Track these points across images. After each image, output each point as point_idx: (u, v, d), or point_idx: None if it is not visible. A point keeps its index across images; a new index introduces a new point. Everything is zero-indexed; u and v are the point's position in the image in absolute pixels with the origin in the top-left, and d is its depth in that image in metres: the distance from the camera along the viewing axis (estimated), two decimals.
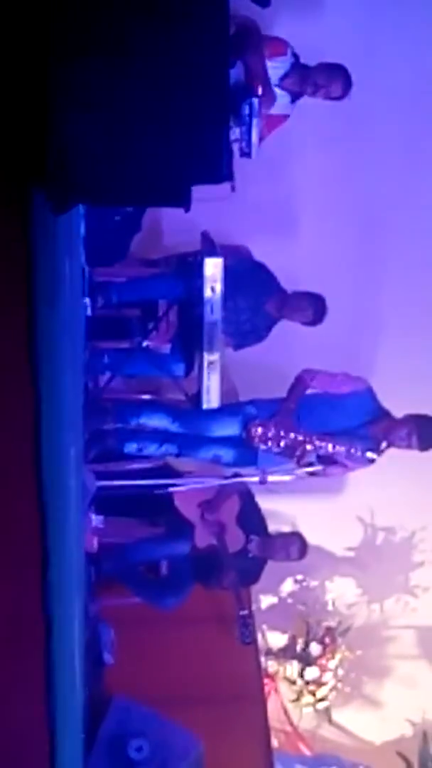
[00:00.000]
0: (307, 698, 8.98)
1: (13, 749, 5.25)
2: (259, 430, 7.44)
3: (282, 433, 7.41)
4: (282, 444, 7.43)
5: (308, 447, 7.36)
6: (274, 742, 8.30)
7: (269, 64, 7.14)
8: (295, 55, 7.28)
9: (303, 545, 7.76)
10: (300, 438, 7.36)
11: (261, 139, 7.14)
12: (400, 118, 8.25)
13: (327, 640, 8.96)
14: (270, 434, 7.42)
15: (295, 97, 7.37)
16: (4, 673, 5.03)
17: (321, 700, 9.00)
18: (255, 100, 6.97)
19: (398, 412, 7.50)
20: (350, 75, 7.26)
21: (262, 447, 7.47)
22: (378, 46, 8.09)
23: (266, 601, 9.01)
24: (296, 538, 7.82)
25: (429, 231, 8.48)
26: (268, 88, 7.11)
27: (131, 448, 7.52)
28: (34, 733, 5.64)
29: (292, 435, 7.38)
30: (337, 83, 7.26)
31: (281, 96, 7.29)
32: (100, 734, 6.71)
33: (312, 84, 7.28)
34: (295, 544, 7.75)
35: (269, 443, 7.44)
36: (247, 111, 6.93)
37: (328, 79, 7.27)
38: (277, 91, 7.25)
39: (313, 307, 7.65)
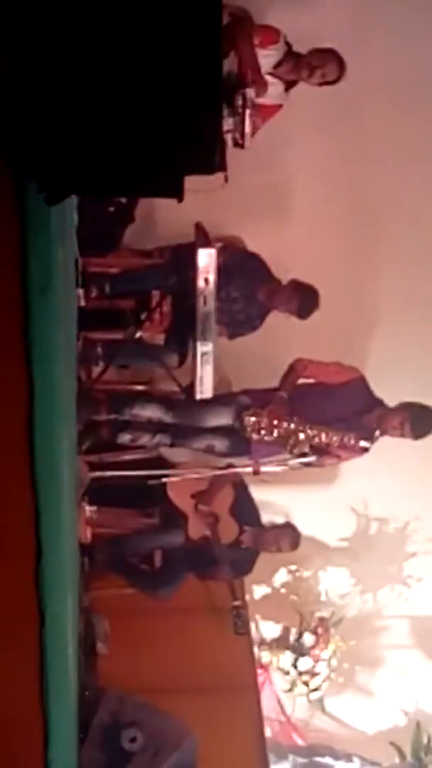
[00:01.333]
0: (301, 688, 8.99)
1: (7, 740, 5.24)
2: (252, 419, 7.44)
3: (275, 423, 7.41)
4: (275, 433, 7.43)
5: (301, 436, 7.36)
6: (268, 732, 8.31)
7: (262, 52, 7.14)
8: (288, 44, 7.28)
9: (296, 537, 7.78)
10: (293, 427, 7.37)
11: (254, 129, 7.13)
12: (395, 107, 8.24)
13: (320, 630, 8.97)
14: (263, 424, 7.43)
15: (288, 86, 7.36)
16: None
17: (314, 690, 9.02)
18: (248, 91, 6.96)
19: (392, 402, 7.50)
20: (342, 58, 7.25)
21: (255, 436, 7.47)
22: (372, 34, 8.08)
23: (259, 591, 9.02)
24: (289, 529, 7.83)
25: (424, 220, 8.47)
26: (260, 77, 7.10)
27: (125, 438, 7.53)
28: (28, 724, 5.63)
29: (285, 424, 7.38)
30: (332, 65, 7.26)
31: (275, 85, 7.29)
32: (94, 724, 6.70)
33: (307, 66, 7.27)
34: (288, 536, 7.77)
35: (262, 432, 7.44)
36: (240, 101, 6.93)
37: (323, 61, 7.27)
38: (271, 79, 7.24)
39: (298, 301, 7.64)
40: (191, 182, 5.00)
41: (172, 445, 7.61)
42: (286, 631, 9.01)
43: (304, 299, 7.61)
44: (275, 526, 7.94)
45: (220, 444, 7.56)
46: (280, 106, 7.43)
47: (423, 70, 8.25)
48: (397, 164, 8.33)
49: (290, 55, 7.28)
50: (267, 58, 7.20)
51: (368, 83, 8.04)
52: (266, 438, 7.45)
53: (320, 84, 7.37)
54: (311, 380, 7.60)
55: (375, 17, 8.11)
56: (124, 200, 7.62)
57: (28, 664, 5.59)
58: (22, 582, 5.47)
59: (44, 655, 5.66)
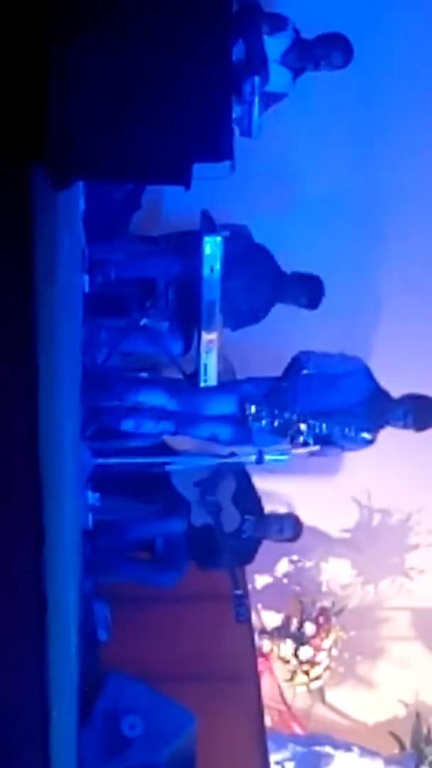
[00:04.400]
0: (301, 678, 9.01)
1: (8, 725, 5.25)
2: (254, 408, 7.43)
3: (276, 412, 7.40)
4: (276, 423, 7.42)
5: (302, 426, 7.35)
6: (268, 721, 8.33)
7: (270, 40, 7.13)
8: (296, 31, 7.26)
9: (297, 526, 7.77)
10: (294, 417, 7.36)
11: (260, 116, 7.13)
12: (403, 95, 8.23)
13: (321, 620, 8.99)
14: (264, 413, 7.42)
15: (296, 73, 7.34)
16: (0, 651, 5.03)
17: (315, 679, 9.04)
18: (256, 79, 6.95)
19: (396, 393, 7.49)
20: (350, 43, 7.23)
21: (257, 425, 7.46)
22: (379, 20, 8.07)
23: (261, 580, 9.04)
24: (291, 518, 7.83)
25: (430, 211, 8.46)
26: (264, 67, 7.09)
27: (128, 425, 7.52)
28: (29, 710, 5.64)
29: (286, 414, 7.38)
30: (338, 52, 7.25)
31: (283, 73, 7.28)
32: (95, 711, 6.73)
33: (312, 56, 7.26)
34: (290, 525, 7.76)
35: (263, 422, 7.43)
36: (248, 90, 6.92)
37: (328, 49, 7.25)
38: (279, 68, 7.23)
39: (307, 294, 7.63)
40: (198, 170, 4.99)
41: (175, 433, 7.60)
42: (287, 620, 9.04)
43: (312, 291, 7.60)
44: (278, 515, 7.93)
45: (223, 432, 7.55)
46: (285, 94, 7.40)
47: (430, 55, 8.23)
48: (404, 153, 8.33)
49: (298, 42, 7.26)
50: (275, 46, 7.18)
51: (376, 71, 8.03)
52: (268, 428, 7.44)
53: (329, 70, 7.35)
54: (314, 371, 7.58)
55: (384, 3, 8.08)
56: (130, 187, 7.60)
57: (30, 650, 5.60)
58: (24, 568, 5.47)
59: (46, 641, 5.67)
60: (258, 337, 7.90)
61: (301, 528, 7.80)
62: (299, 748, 8.78)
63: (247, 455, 7.52)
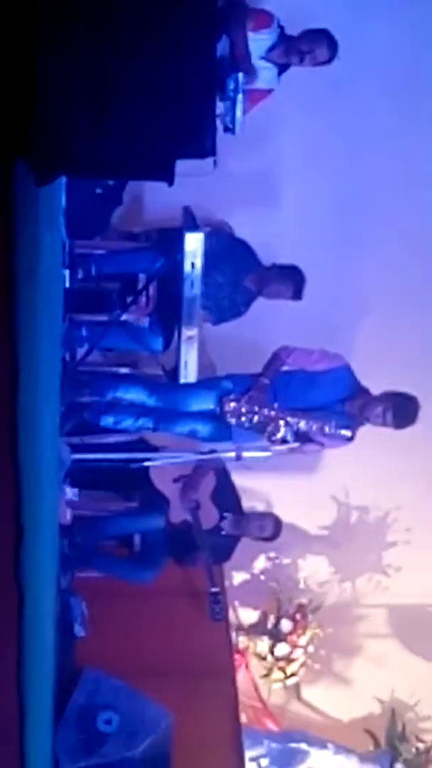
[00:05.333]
0: (277, 674, 9.01)
1: None
2: (232, 404, 7.43)
3: (255, 409, 7.40)
4: (255, 419, 7.42)
5: (281, 423, 7.34)
6: (243, 717, 8.33)
7: (255, 36, 7.11)
8: (281, 27, 7.25)
9: (277, 525, 7.78)
10: (272, 414, 7.35)
11: (244, 113, 7.12)
12: (386, 91, 8.22)
13: (298, 617, 8.99)
14: (243, 409, 7.42)
15: (281, 69, 7.34)
16: None
17: (290, 676, 9.04)
18: (240, 75, 6.94)
19: (376, 390, 7.50)
20: (334, 37, 7.22)
21: (235, 422, 7.46)
22: (365, 16, 8.05)
23: (238, 577, 9.03)
24: (270, 517, 7.83)
25: (413, 207, 8.46)
26: (249, 64, 7.08)
27: (107, 421, 7.51)
28: (4, 704, 5.63)
29: (265, 411, 7.37)
30: (322, 47, 7.23)
31: (268, 69, 7.27)
32: (70, 706, 6.72)
33: (296, 52, 7.25)
34: (269, 524, 7.77)
35: (242, 418, 7.43)
36: (231, 86, 6.91)
37: (312, 44, 7.23)
38: (264, 63, 7.22)
39: (292, 285, 7.63)
40: (180, 166, 4.99)
41: (154, 429, 7.60)
42: (263, 617, 9.03)
43: (294, 282, 7.60)
44: (259, 514, 7.93)
45: (202, 429, 7.54)
46: (270, 90, 7.39)
47: (415, 53, 8.23)
48: (387, 149, 8.31)
49: (283, 38, 7.25)
50: (260, 42, 7.16)
51: (359, 66, 8.02)
52: (246, 424, 7.44)
53: (313, 65, 7.34)
54: (295, 367, 7.58)
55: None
56: (112, 182, 7.59)
57: (6, 644, 5.59)
58: (1, 563, 5.46)
59: (22, 636, 5.66)
60: (239, 332, 7.90)
61: (281, 527, 7.81)
62: (274, 745, 8.78)
63: (226, 452, 7.51)
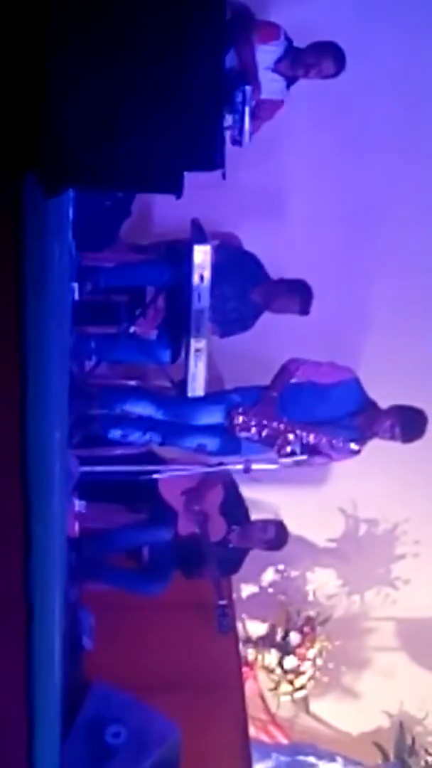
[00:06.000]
0: (285, 687, 9.00)
1: None
2: (241, 418, 7.42)
3: (264, 422, 7.39)
4: (264, 433, 7.41)
5: (290, 436, 7.34)
6: (252, 730, 8.31)
7: (263, 48, 7.12)
8: (288, 39, 7.26)
9: (280, 530, 7.75)
10: (282, 427, 7.35)
11: (256, 125, 7.12)
12: (394, 104, 8.24)
13: (306, 629, 8.97)
14: (252, 423, 7.41)
15: (290, 81, 7.35)
16: None
17: (299, 689, 9.02)
18: (248, 88, 6.95)
19: (385, 404, 7.49)
20: (341, 50, 7.23)
21: (244, 435, 7.45)
22: (373, 28, 8.06)
23: (247, 590, 9.02)
24: (273, 522, 7.80)
25: (420, 219, 8.46)
26: (255, 77, 7.09)
27: (115, 434, 7.51)
28: (13, 717, 5.63)
29: (274, 424, 7.37)
30: (328, 60, 7.24)
31: (276, 81, 7.27)
32: (78, 719, 6.70)
33: (303, 65, 7.26)
34: (271, 528, 7.74)
35: (251, 432, 7.42)
36: (239, 98, 6.92)
37: (318, 57, 7.24)
38: (272, 76, 7.22)
39: (299, 300, 7.63)
40: (189, 178, 4.99)
41: (162, 443, 7.59)
42: (272, 629, 9.02)
43: (302, 297, 7.60)
44: (261, 520, 7.89)
45: (211, 443, 7.53)
46: (281, 102, 7.40)
47: (423, 65, 8.24)
48: (394, 162, 8.32)
49: (291, 50, 7.26)
50: (268, 54, 7.17)
51: (367, 79, 8.03)
52: (255, 438, 7.44)
53: (320, 78, 7.35)
54: (303, 380, 7.58)
55: (376, 12, 8.09)
56: (121, 195, 7.60)
57: (14, 657, 5.59)
58: (9, 575, 5.46)
59: (30, 649, 5.66)
60: (247, 345, 7.90)
61: (286, 533, 7.78)
62: (283, 758, 8.77)
63: (234, 464, 7.51)
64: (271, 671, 8.99)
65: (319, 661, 9.01)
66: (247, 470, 7.43)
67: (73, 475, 6.88)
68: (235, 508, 7.75)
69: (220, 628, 7.38)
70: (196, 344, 7.28)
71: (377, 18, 8.13)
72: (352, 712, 9.34)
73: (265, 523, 7.80)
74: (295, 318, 7.71)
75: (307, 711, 9.26)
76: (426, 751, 9.18)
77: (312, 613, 9.06)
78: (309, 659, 8.97)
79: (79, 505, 7.27)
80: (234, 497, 7.73)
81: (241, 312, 7.74)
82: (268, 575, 9.11)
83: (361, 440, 7.39)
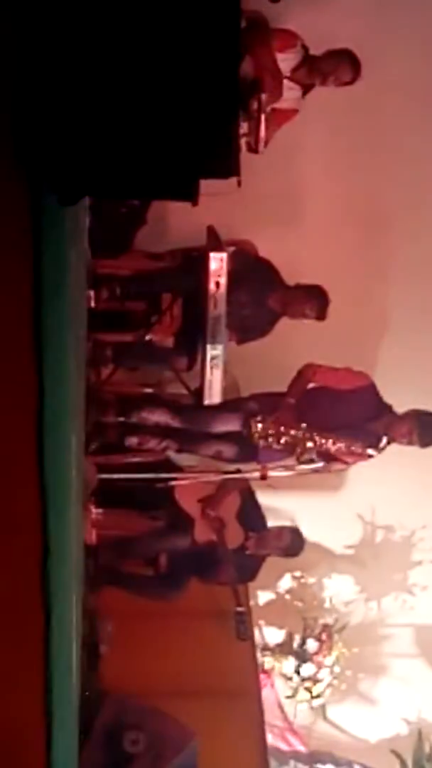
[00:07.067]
0: (303, 694, 8.98)
1: (10, 740, 5.24)
2: (260, 426, 7.42)
3: (282, 429, 7.39)
4: (282, 440, 7.41)
5: (309, 444, 7.33)
6: (269, 738, 8.30)
7: (279, 56, 7.13)
8: (305, 47, 7.27)
9: (297, 538, 7.74)
10: (300, 435, 7.35)
11: (270, 134, 7.13)
12: (409, 111, 8.24)
13: (324, 636, 8.95)
14: (271, 430, 7.41)
15: (306, 90, 7.35)
16: (2, 663, 5.03)
17: (316, 696, 9.00)
18: (263, 96, 6.96)
19: (401, 409, 7.49)
20: (357, 57, 7.24)
21: (263, 443, 7.45)
22: (388, 36, 8.06)
23: (264, 596, 9.01)
24: (290, 530, 7.80)
25: None
26: (279, 82, 7.09)
27: (132, 441, 7.52)
28: (31, 724, 5.63)
29: (292, 431, 7.36)
30: (345, 67, 7.26)
31: (292, 89, 7.28)
32: (96, 726, 6.71)
33: (320, 73, 7.27)
34: (289, 536, 7.73)
35: (270, 440, 7.42)
36: (255, 106, 6.93)
37: (335, 65, 7.26)
38: (288, 84, 7.24)
39: (316, 305, 7.63)
40: (204, 186, 5.00)
41: (179, 451, 7.60)
42: (289, 636, 9.00)
43: (319, 303, 7.61)
44: (277, 526, 7.88)
45: (228, 450, 7.54)
46: (296, 111, 7.41)
47: None
48: (409, 169, 8.32)
49: (307, 58, 7.27)
50: (284, 62, 7.19)
51: (382, 86, 8.03)
52: (274, 445, 7.43)
53: (336, 85, 7.36)
54: (320, 385, 7.57)
55: (392, 20, 8.09)
56: (136, 202, 7.61)
57: (32, 665, 5.59)
58: (27, 582, 5.46)
59: (48, 655, 5.66)
60: (264, 351, 7.90)
61: (303, 540, 7.79)
62: (301, 766, 8.77)
63: (251, 471, 7.51)
64: (289, 678, 8.97)
65: (336, 669, 8.99)
66: (263, 477, 7.43)
67: (90, 482, 6.89)
68: (251, 514, 7.75)
69: (239, 634, 7.38)
70: (213, 351, 7.28)
71: (392, 24, 8.13)
72: (370, 720, 9.32)
73: (282, 529, 7.80)
74: (311, 324, 7.71)
75: (325, 718, 9.24)
76: None
77: (329, 620, 9.04)
78: (326, 666, 8.95)
79: (96, 512, 7.28)
80: (251, 504, 7.73)
81: (257, 318, 7.75)
82: (285, 582, 9.10)
83: (378, 446, 7.38)
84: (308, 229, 8.46)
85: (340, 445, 7.28)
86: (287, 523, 8.04)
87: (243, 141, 6.95)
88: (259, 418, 7.43)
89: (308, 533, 7.91)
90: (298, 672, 8.94)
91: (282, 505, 8.38)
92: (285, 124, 7.41)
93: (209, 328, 7.23)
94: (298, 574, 9.07)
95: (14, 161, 4.68)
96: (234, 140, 4.90)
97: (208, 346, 7.28)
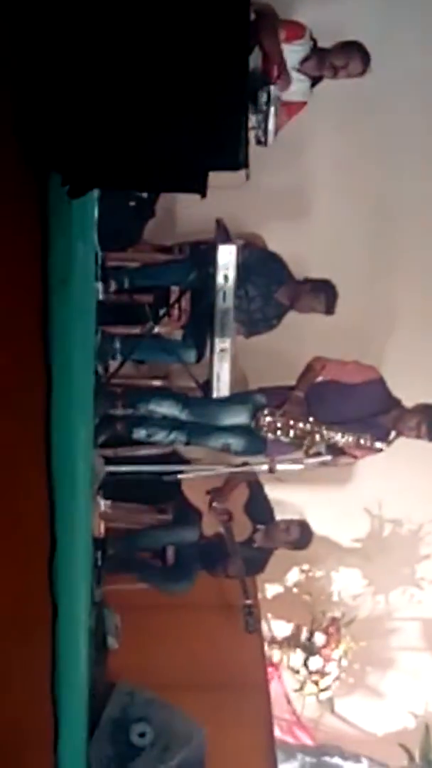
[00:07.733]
0: (311, 688, 8.98)
1: (18, 732, 5.25)
2: (268, 419, 7.41)
3: (291, 423, 7.38)
4: (291, 434, 7.40)
5: (317, 437, 7.32)
6: (277, 731, 8.30)
7: (288, 48, 7.10)
8: (314, 39, 7.24)
9: (305, 531, 7.75)
10: (309, 428, 7.34)
11: (279, 125, 7.11)
12: (418, 105, 8.22)
13: (331, 630, 8.96)
14: (279, 424, 7.40)
15: (314, 81, 7.33)
16: (10, 655, 5.03)
17: (324, 690, 9.00)
18: (272, 88, 6.94)
19: (409, 402, 7.48)
20: (366, 49, 7.21)
21: (271, 436, 7.44)
22: (397, 29, 8.04)
23: (272, 590, 9.02)
24: (296, 522, 7.80)
25: None
26: (285, 71, 7.07)
27: (140, 434, 7.51)
28: (39, 717, 5.65)
29: (300, 425, 7.35)
30: (356, 60, 7.22)
31: (301, 81, 7.26)
32: (104, 719, 6.72)
33: (330, 66, 7.25)
34: (297, 529, 7.74)
35: (278, 433, 7.41)
36: (264, 98, 6.90)
37: (346, 58, 7.23)
38: (297, 76, 7.21)
39: (324, 299, 7.63)
40: (213, 178, 4.99)
41: (187, 443, 7.59)
42: (297, 630, 9.00)
43: (327, 297, 7.60)
44: (285, 519, 7.88)
45: (236, 443, 7.53)
46: (304, 103, 7.39)
47: None
48: (419, 163, 8.30)
49: (316, 50, 7.24)
50: (293, 53, 7.15)
51: (391, 80, 8.01)
52: (282, 438, 7.43)
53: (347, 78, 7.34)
54: (328, 379, 7.57)
55: (400, 12, 8.07)
56: (145, 195, 7.61)
57: (40, 657, 5.60)
58: (35, 575, 5.47)
59: (56, 648, 5.68)
60: (272, 344, 7.90)
61: (311, 533, 7.79)
62: (308, 759, 8.77)
63: (259, 464, 7.50)
64: (297, 672, 8.97)
65: (344, 662, 8.99)
66: (272, 470, 7.42)
67: (98, 474, 6.89)
68: (259, 508, 7.75)
69: (248, 627, 7.37)
70: (221, 344, 7.27)
71: (400, 17, 8.11)
72: (378, 713, 9.32)
73: (290, 523, 7.79)
74: (319, 317, 7.70)
75: (333, 711, 9.25)
76: None
77: (337, 613, 9.04)
78: (334, 660, 8.96)
79: (104, 504, 7.29)
80: (259, 497, 7.73)
81: (265, 312, 7.74)
82: (293, 575, 9.10)
83: (387, 439, 7.37)
84: (317, 222, 8.45)
85: (349, 438, 7.26)
86: (295, 517, 8.03)
87: (252, 134, 6.93)
88: (267, 412, 7.41)
89: (316, 526, 7.90)
90: (305, 665, 8.94)
91: (290, 499, 8.37)
92: (294, 117, 7.38)
93: (218, 321, 7.22)
94: (306, 567, 9.07)
95: (23, 154, 4.69)
96: (243, 133, 4.89)
97: (217, 339, 7.27)
